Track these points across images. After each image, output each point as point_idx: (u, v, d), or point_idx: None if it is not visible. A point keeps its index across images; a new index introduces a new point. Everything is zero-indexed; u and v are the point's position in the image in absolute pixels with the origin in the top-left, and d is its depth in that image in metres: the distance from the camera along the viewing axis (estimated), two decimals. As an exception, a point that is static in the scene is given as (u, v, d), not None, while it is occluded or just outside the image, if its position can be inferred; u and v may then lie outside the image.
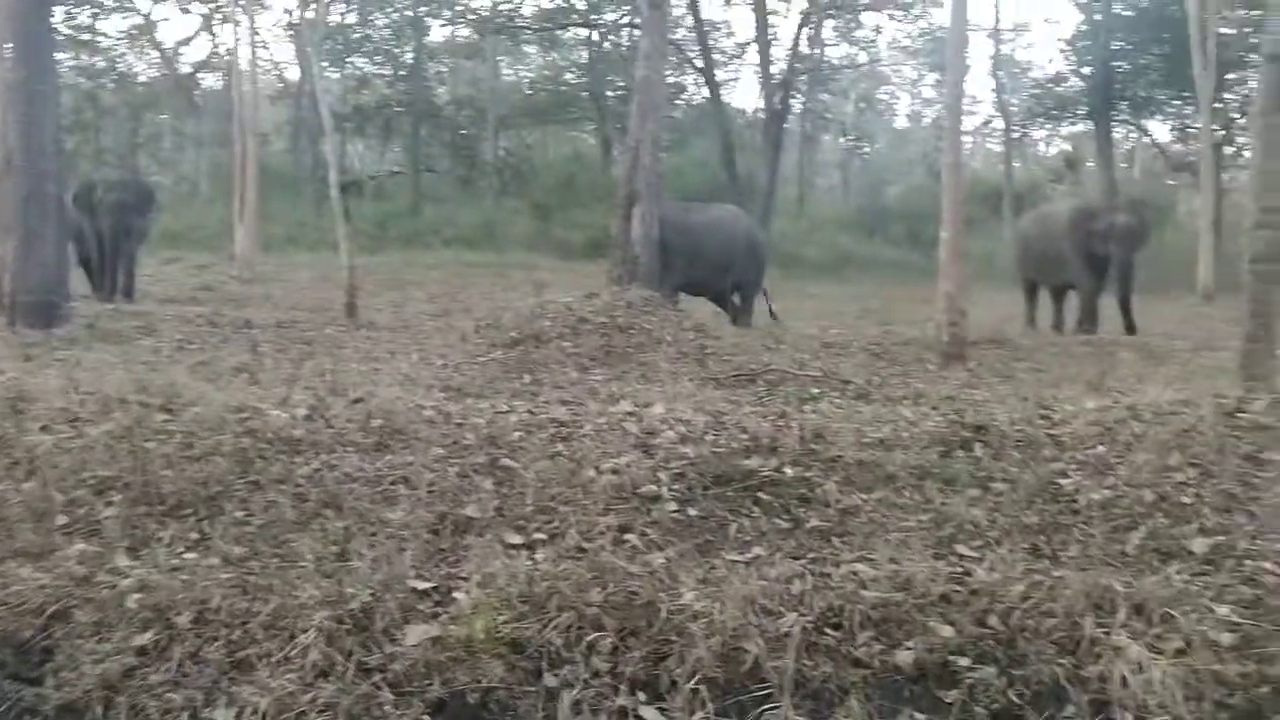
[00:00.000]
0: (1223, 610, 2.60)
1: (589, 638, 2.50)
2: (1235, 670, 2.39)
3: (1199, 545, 2.98)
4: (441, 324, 10.24)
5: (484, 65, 29.88)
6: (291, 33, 26.62)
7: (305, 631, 2.45)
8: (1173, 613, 2.57)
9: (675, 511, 3.11)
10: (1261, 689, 2.37)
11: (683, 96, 28.47)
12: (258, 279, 15.62)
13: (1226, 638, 2.48)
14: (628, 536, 2.93)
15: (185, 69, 30.05)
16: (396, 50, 28.91)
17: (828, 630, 2.55)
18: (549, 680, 2.42)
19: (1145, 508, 3.21)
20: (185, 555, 2.82)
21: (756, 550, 2.93)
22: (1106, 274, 11.95)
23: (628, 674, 2.44)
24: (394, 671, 2.40)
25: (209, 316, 9.98)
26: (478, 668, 2.42)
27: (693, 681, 2.40)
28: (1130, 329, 11.46)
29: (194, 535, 2.95)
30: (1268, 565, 2.85)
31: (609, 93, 28.00)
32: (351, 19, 27.74)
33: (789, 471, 3.35)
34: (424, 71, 29.34)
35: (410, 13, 27.93)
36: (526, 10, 27.51)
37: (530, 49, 31.18)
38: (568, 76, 30.77)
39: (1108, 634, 2.49)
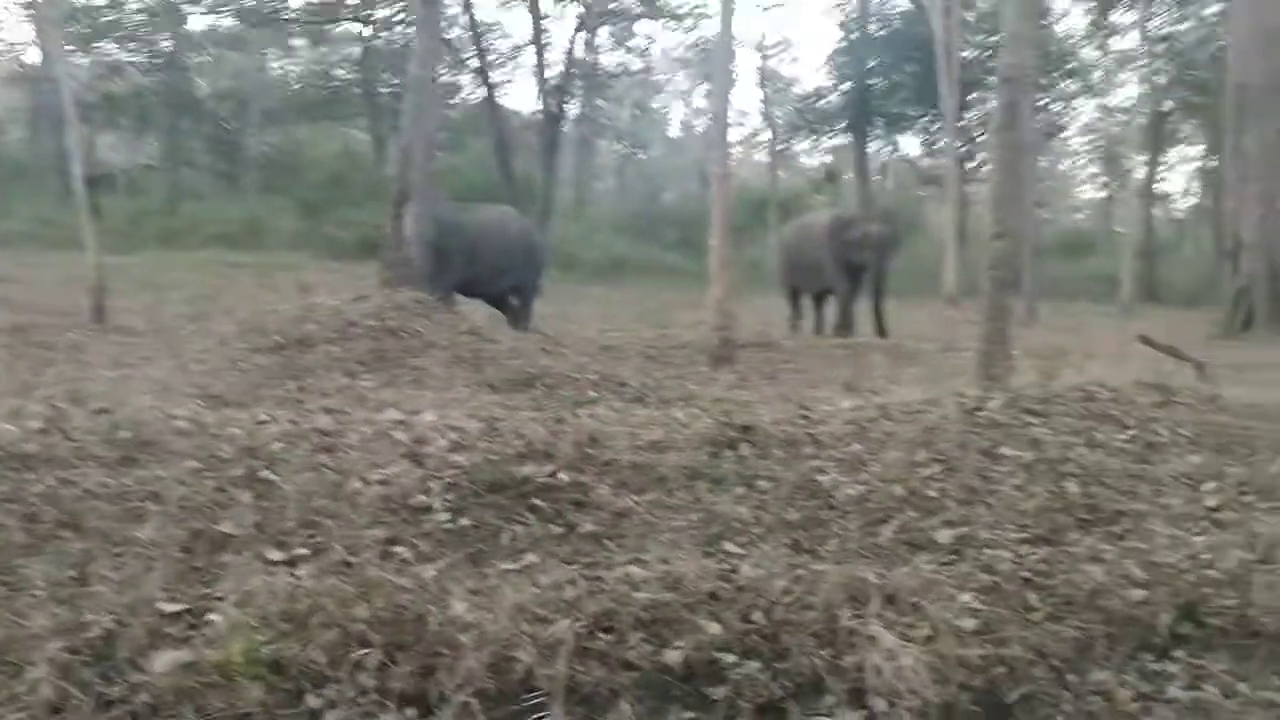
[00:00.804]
0: (965, 597, 2.78)
1: (355, 655, 2.40)
2: (977, 653, 2.56)
3: (944, 536, 3.18)
4: (200, 327, 9.66)
5: (249, 57, 28.48)
6: (30, 12, 24.50)
7: (35, 665, 2.24)
8: (921, 601, 2.74)
9: (447, 522, 3.04)
10: (999, 670, 2.55)
11: (458, 96, 28.12)
12: (-10, 278, 14.26)
13: (969, 623, 2.66)
14: (396, 549, 2.84)
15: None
16: (152, 37, 27.07)
17: (600, 634, 2.55)
18: (311, 701, 2.32)
19: (896, 502, 3.40)
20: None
21: (530, 558, 2.91)
22: (862, 280, 12.70)
23: (396, 689, 2.36)
24: (139, 703, 2.23)
25: (-70, 320, 9.05)
26: (234, 693, 2.28)
27: (463, 694, 2.36)
28: (883, 332, 12.21)
29: (-97, 565, 2.65)
30: (1004, 553, 3.08)
31: (382, 89, 27.29)
32: (100, 1, 25.78)
33: (564, 477, 3.34)
34: (183, 61, 27.66)
35: (166, -1, 26.24)
36: (295, 2, 26.42)
37: (298, 42, 29.98)
38: (338, 72, 29.75)
39: (863, 624, 2.61)
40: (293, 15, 26.63)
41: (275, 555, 2.76)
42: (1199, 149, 31.26)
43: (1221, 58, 19.47)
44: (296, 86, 29.51)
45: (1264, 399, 4.91)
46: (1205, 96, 26.09)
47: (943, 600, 2.76)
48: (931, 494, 3.45)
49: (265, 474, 3.18)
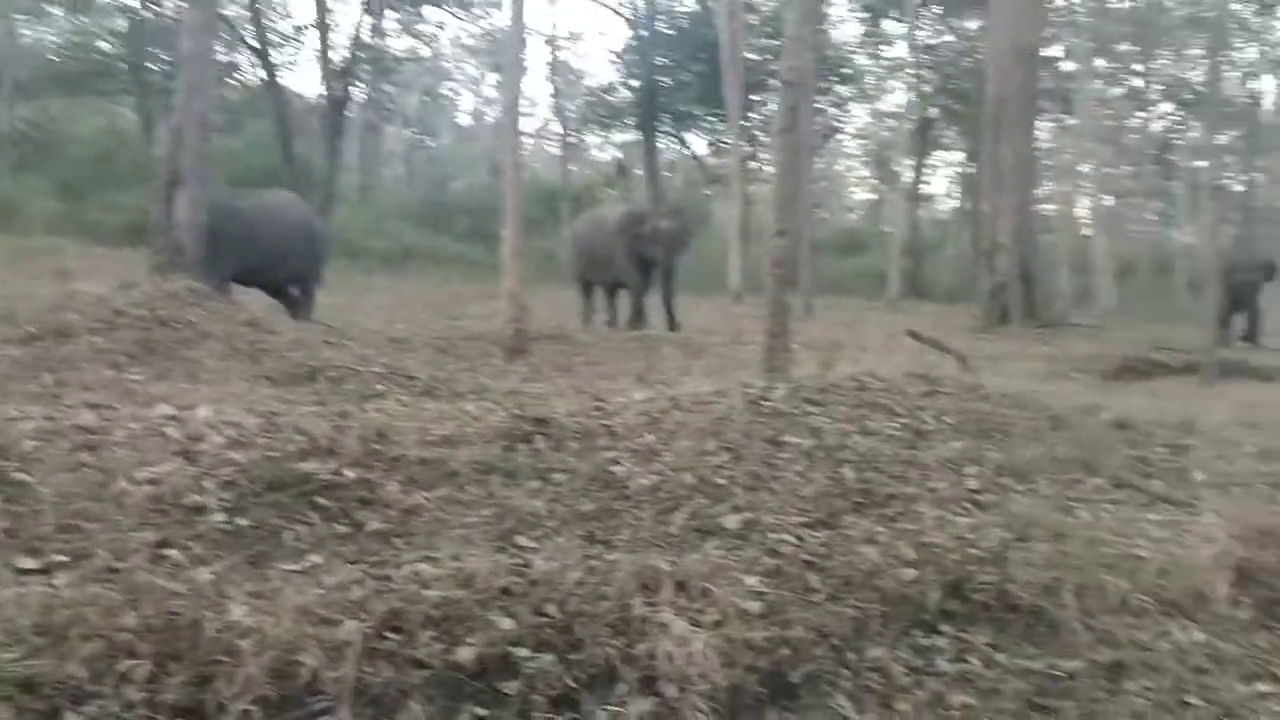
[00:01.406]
0: (751, 581, 2.87)
1: (121, 667, 2.24)
2: (762, 635, 2.64)
3: (732, 522, 3.27)
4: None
5: (-3, 22, 26.10)
6: None
7: None
8: (711, 587, 2.80)
9: (223, 522, 2.88)
10: (784, 651, 2.64)
11: (236, 75, 26.74)
12: None
13: (755, 606, 2.74)
14: (168, 552, 2.67)
15: None
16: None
17: (389, 634, 2.47)
18: (70, 719, 2.15)
19: (687, 490, 3.48)
20: None
21: (314, 558, 2.79)
22: (653, 275, 12.92)
23: (168, 701, 2.21)
24: None
25: None
26: (-23, 716, 2.08)
27: (243, 702, 2.24)
28: (673, 326, 12.47)
29: None
30: (787, 537, 3.20)
31: (151, 65, 25.59)
32: None
33: (349, 474, 3.23)
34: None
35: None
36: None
37: (55, 10, 27.69)
38: (102, 44, 27.67)
39: (655, 612, 2.65)
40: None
41: (28, 563, 2.54)
42: (960, 155, 33.50)
43: (981, 70, 20.91)
44: (54, 58, 27.26)
45: (1019, 388, 5.30)
46: (966, 106, 28.01)
47: (730, 585, 2.84)
48: (720, 481, 3.55)
49: (17, 475, 2.92)
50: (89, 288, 7.56)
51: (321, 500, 3.08)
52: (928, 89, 29.74)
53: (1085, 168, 27.29)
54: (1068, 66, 27.32)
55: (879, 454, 3.97)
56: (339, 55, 24.76)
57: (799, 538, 3.21)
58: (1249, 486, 4.22)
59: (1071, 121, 26.79)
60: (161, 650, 2.30)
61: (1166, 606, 3.11)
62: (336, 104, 23.65)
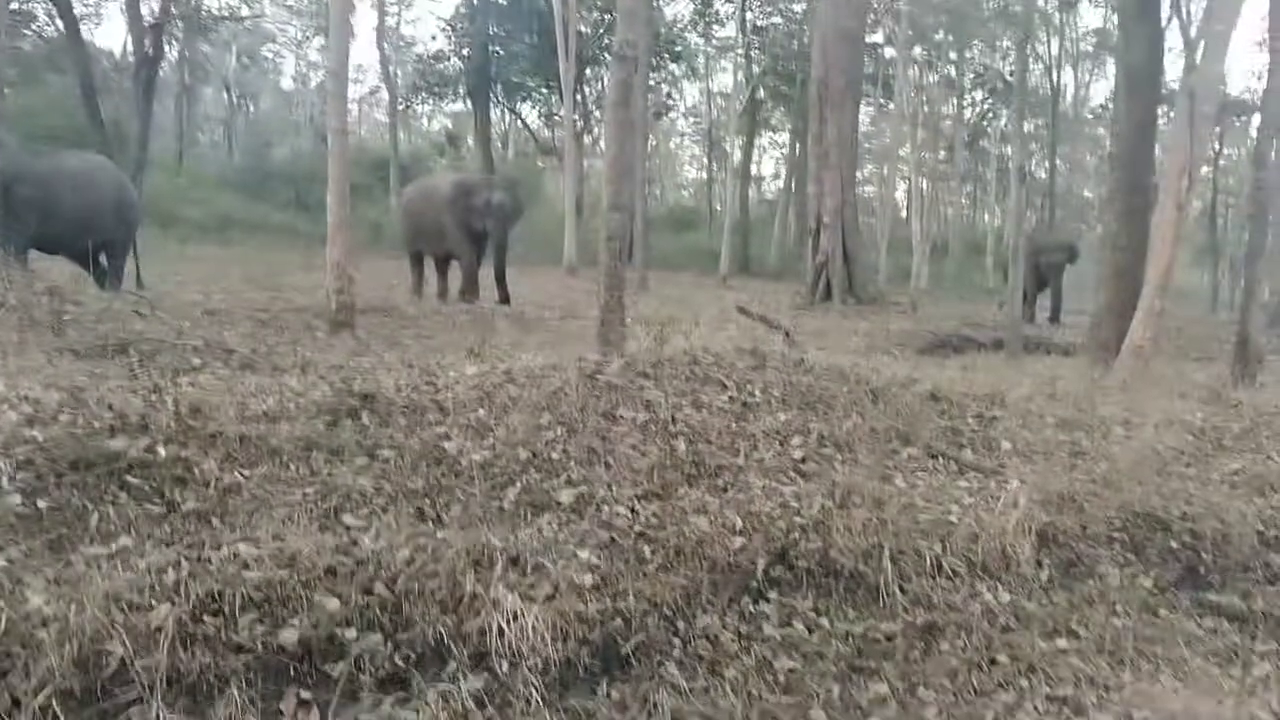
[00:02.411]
0: (585, 554, 2.87)
1: (-103, 666, 2.07)
2: (595, 608, 2.65)
3: (566, 496, 3.27)
4: None
5: None
6: None
7: None
8: (544, 562, 2.79)
9: (20, 505, 2.70)
10: (616, 622, 2.66)
11: (33, 26, 24.85)
12: None
13: (588, 579, 2.75)
14: (-44, 539, 2.48)
15: None
16: None
17: (206, 618, 2.37)
18: None
19: (520, 465, 3.46)
20: None
21: (123, 541, 2.64)
22: (485, 247, 12.76)
23: (-46, 700, 2.06)
24: None
25: None
26: None
27: (42, 696, 2.10)
28: (505, 299, 12.35)
29: None
30: (621, 509, 3.22)
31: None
32: None
33: (162, 451, 3.07)
34: None
35: None
36: None
37: None
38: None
39: (487, 589, 2.62)
40: None
41: None
42: (787, 136, 34.38)
43: (807, 53, 21.45)
44: None
45: (840, 362, 5.48)
46: (792, 88, 28.74)
47: (564, 559, 2.84)
48: (555, 456, 3.54)
49: None
50: None
51: (132, 479, 2.92)
52: (757, 69, 30.36)
53: (903, 151, 28.43)
54: (889, 53, 28.36)
55: (710, 426, 4.04)
56: (149, 10, 23.36)
57: (632, 510, 3.24)
58: (1050, 455, 4.49)
59: (891, 107, 27.84)
60: (-53, 645, 2.14)
61: (976, 569, 3.29)
62: (147, 62, 22.28)
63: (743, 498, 3.42)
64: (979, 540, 3.37)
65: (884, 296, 17.56)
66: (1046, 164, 32.44)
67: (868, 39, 23.57)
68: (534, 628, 2.50)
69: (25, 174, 9.11)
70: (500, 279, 12.63)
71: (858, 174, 21.38)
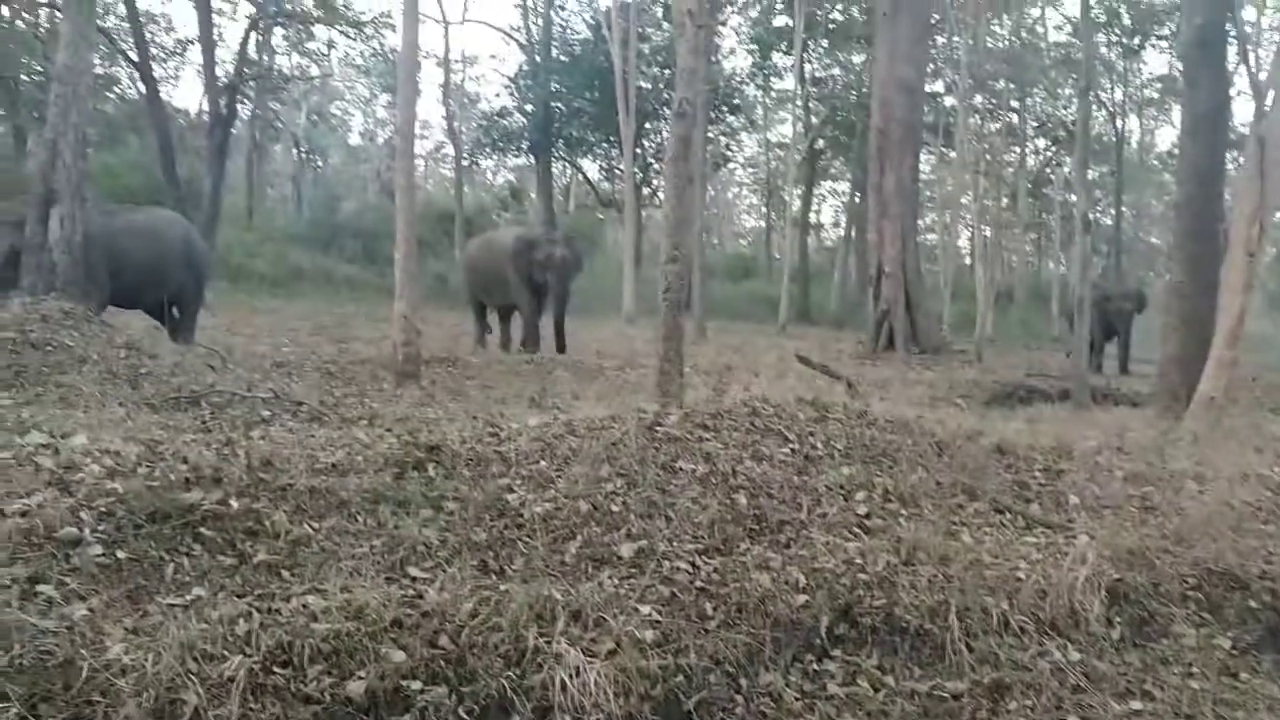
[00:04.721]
0: (646, 610, 2.88)
1: (-13, 710, 2.14)
2: (657, 664, 2.65)
3: (627, 550, 3.28)
4: None
5: None
6: None
7: None
8: (605, 616, 2.80)
9: (101, 555, 2.77)
10: (678, 678, 2.66)
11: (116, 89, 25.84)
12: None
13: (649, 634, 2.75)
14: (41, 588, 2.55)
15: None
16: None
17: (276, 669, 2.41)
18: (-74, 771, 2.03)
19: (581, 518, 3.47)
20: None
21: (197, 591, 2.70)
22: (545, 298, 12.94)
23: (39, 746, 2.12)
24: None
25: None
26: None
27: (121, 746, 2.15)
28: (563, 349, 12.49)
29: None
30: (681, 564, 3.22)
31: (24, 77, 24.54)
32: None
33: (235, 503, 3.14)
34: None
35: None
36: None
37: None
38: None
39: (549, 642, 2.64)
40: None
41: (-116, 602, 2.40)
42: (846, 185, 34.38)
43: (866, 103, 21.53)
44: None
45: (904, 414, 5.44)
46: (852, 137, 28.79)
47: (625, 614, 2.84)
48: (615, 509, 3.55)
49: (-127, 509, 2.76)
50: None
51: (206, 531, 2.99)
52: (816, 120, 30.48)
53: (965, 199, 28.27)
54: (949, 102, 28.32)
55: (771, 480, 4.02)
56: (224, 71, 24.16)
57: (693, 565, 3.24)
58: (1120, 510, 4.40)
59: (952, 155, 27.74)
60: (33, 692, 2.20)
61: (1045, 627, 3.23)
62: (221, 121, 23.00)
63: (806, 553, 3.40)
64: (1047, 597, 3.31)
65: (948, 346, 17.39)
66: (1113, 211, 32.03)
67: (927, 88, 23.55)
68: (596, 683, 2.51)
69: (97, 231, 9.43)
70: (560, 330, 12.79)
71: (919, 222, 21.29)
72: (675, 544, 3.38)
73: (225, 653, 2.40)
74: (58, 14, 19.63)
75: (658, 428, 4.29)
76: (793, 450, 4.37)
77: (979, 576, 3.35)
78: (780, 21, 29.53)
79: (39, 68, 22.90)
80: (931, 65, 25.23)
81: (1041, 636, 3.20)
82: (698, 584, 3.11)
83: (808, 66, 29.74)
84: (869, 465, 4.41)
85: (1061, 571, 3.43)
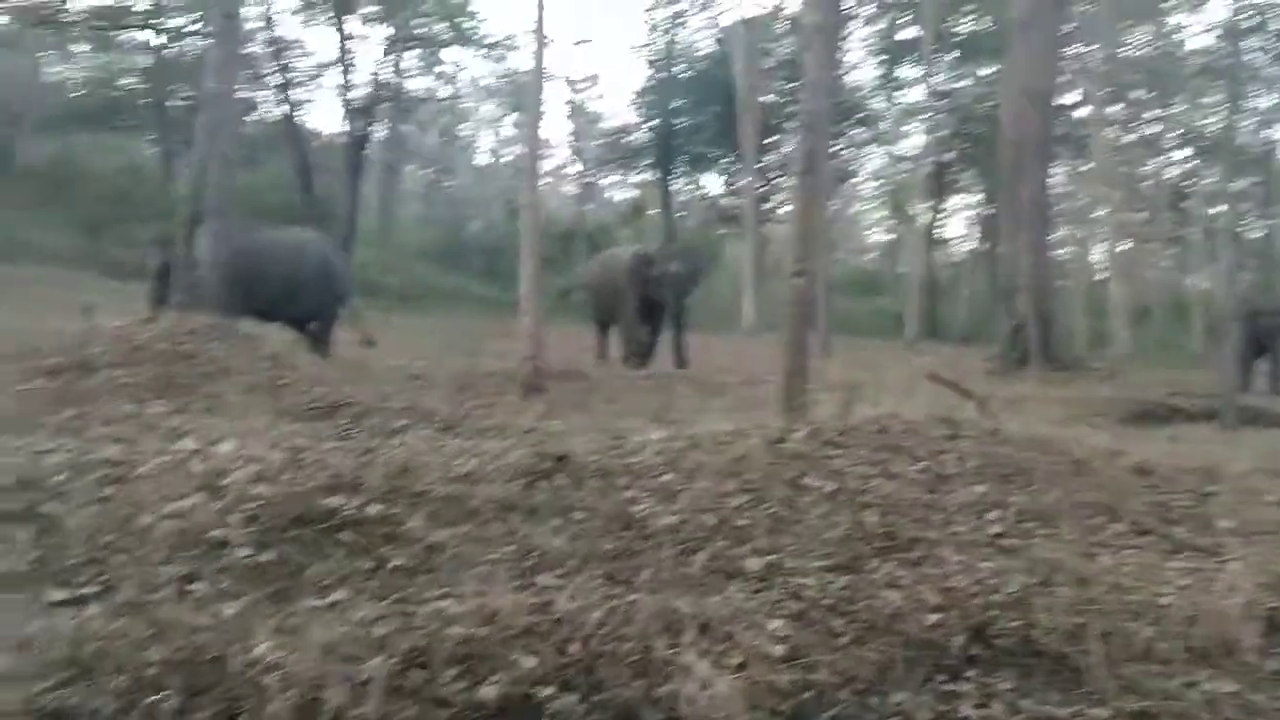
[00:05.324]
0: (775, 624, 2.85)
1: (147, 701, 2.25)
2: (786, 679, 2.63)
3: (754, 565, 3.26)
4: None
5: (22, 59, 26.47)
6: None
7: None
8: (733, 629, 2.79)
9: (248, 557, 2.90)
10: (807, 695, 2.63)
11: (256, 113, 27.06)
12: None
13: (778, 650, 2.73)
14: (193, 586, 2.69)
15: None
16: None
17: (412, 671, 2.48)
18: (98, 754, 2.15)
19: (708, 531, 3.47)
20: None
21: (338, 594, 2.80)
22: (662, 315, 13.05)
23: (194, 738, 2.22)
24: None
25: None
26: (8, 748, 2.09)
27: (268, 739, 2.24)
28: (683, 364, 12.55)
29: None
30: (809, 581, 3.18)
31: (172, 102, 25.92)
32: None
33: (373, 509, 3.24)
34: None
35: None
36: (78, 4, 24.78)
37: (79, 47, 28.11)
38: (124, 81, 28.03)
39: (677, 654, 2.64)
40: (76, 18, 24.92)
41: (58, 595, 2.56)
42: (977, 197, 33.60)
43: (996, 114, 21.02)
44: (76, 94, 27.62)
45: (1038, 432, 5.27)
46: (982, 149, 28.14)
47: (753, 628, 2.82)
48: (741, 523, 3.53)
49: (46, 507, 2.94)
50: (110, 322, 7.62)
51: (346, 535, 3.09)
52: (944, 132, 29.90)
53: (1101, 212, 27.31)
54: (1083, 112, 27.43)
55: (901, 497, 3.95)
56: (359, 94, 25.06)
57: (822, 581, 3.20)
58: (1274, 535, 4.17)
59: (1087, 167, 26.86)
60: (188, 685, 2.31)
61: (1194, 655, 3.07)
62: (357, 142, 23.88)
63: (937, 572, 3.32)
64: (1196, 624, 3.15)
65: (1083, 363, 16.79)
66: (1260, 223, 30.51)
67: (1060, 99, 22.87)
68: (726, 696, 2.50)
69: (241, 249, 9.88)
70: (679, 345, 12.87)
71: (1052, 236, 20.65)
72: (803, 560, 3.35)
73: (365, 654, 2.48)
74: (204, 41, 20.68)
75: (784, 443, 4.27)
76: (923, 468, 4.28)
77: (1121, 600, 3.22)
78: (908, 34, 29.13)
79: (187, 93, 24.14)
80: (1065, 75, 24.51)
81: (1190, 666, 3.04)
82: (826, 600, 3.06)
83: (936, 78, 29.21)
84: (1002, 484, 4.28)
85: (1212, 598, 3.27)
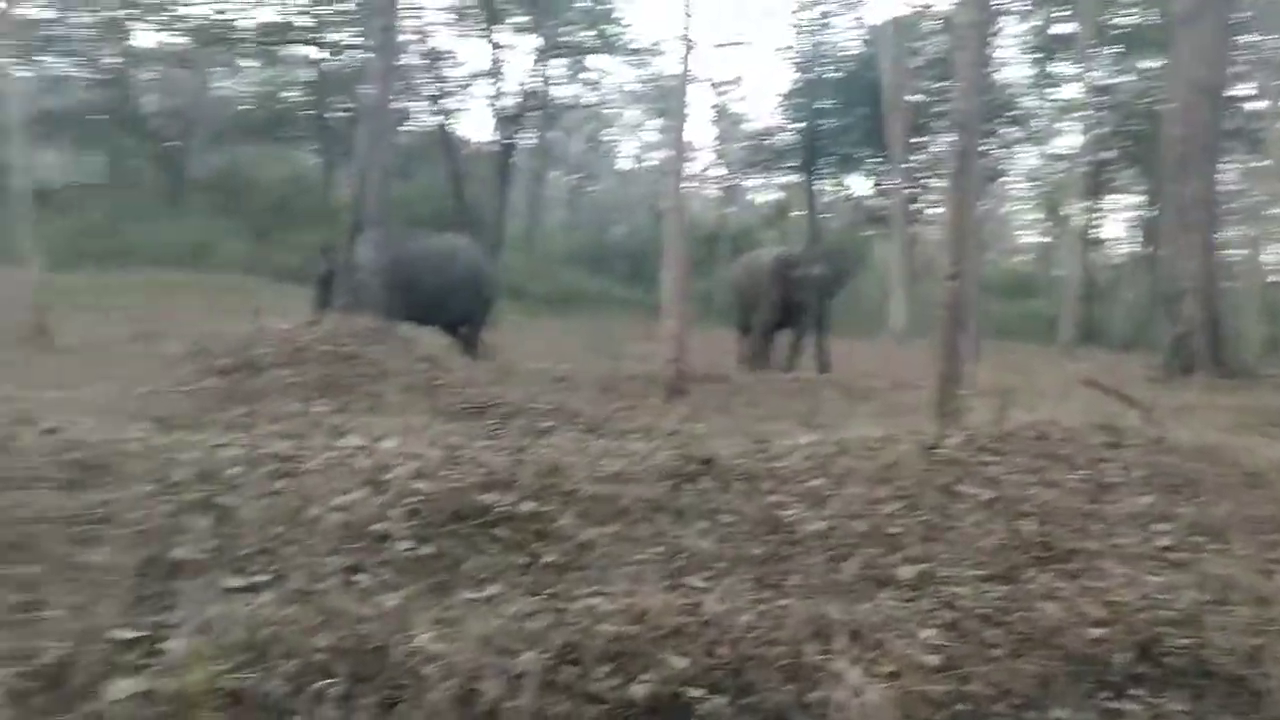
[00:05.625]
0: (927, 633, 2.79)
1: (316, 686, 2.36)
2: (940, 690, 2.57)
3: (906, 572, 3.20)
4: (144, 349, 9.48)
5: (195, 76, 28.08)
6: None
7: (-13, 691, 2.17)
8: (884, 637, 2.75)
9: (408, 550, 3.00)
10: (962, 706, 2.56)
11: (410, 123, 28.01)
12: (-78, 294, 13.83)
13: (931, 659, 2.67)
14: (358, 577, 2.80)
15: None
16: (98, 52, 26.57)
17: (565, 666, 2.53)
18: (272, 734, 2.27)
19: (858, 538, 3.42)
20: None
21: (493, 588, 2.87)
22: (805, 318, 12.92)
23: (359, 723, 2.32)
24: (94, 732, 2.17)
25: None
26: (192, 724, 2.22)
27: (428, 727, 2.32)
28: (825, 368, 12.41)
29: None
30: (963, 590, 3.10)
31: (333, 113, 27.08)
32: (46, 14, 25.24)
33: (525, 506, 3.32)
34: (128, 78, 27.19)
35: (115, 13, 25.75)
36: (246, 22, 26.17)
37: (247, 63, 29.65)
38: (287, 94, 29.45)
39: (828, 660, 2.61)
40: (244, 35, 26.33)
41: (234, 582, 2.70)
42: (1137, 198, 32.11)
43: (1159, 110, 20.06)
44: (243, 107, 29.15)
45: (1207, 441, 5.00)
46: (1144, 146, 26.87)
47: (906, 636, 2.77)
48: (893, 530, 3.47)
49: (222, 499, 3.11)
50: (277, 324, 8.02)
51: (500, 531, 3.17)
52: (1103, 130, 28.67)
53: (1276, 210, 25.73)
54: (1258, 105, 25.88)
55: (1060, 507, 3.81)
56: (507, 102, 25.68)
57: (976, 591, 3.11)
58: None
59: (1261, 163, 25.34)
60: (353, 672, 2.41)
61: (1390, 683, 2.87)
62: (505, 150, 24.47)
63: (1100, 585, 3.19)
64: (1391, 650, 2.94)
65: (1254, 370, 15.84)
66: None
67: (1229, 91, 21.63)
68: (878, 704, 2.47)
69: (398, 256, 10.26)
70: (821, 349, 12.74)
71: (1221, 236, 19.55)
72: (957, 568, 3.26)
73: (519, 647, 2.54)
74: (363, 54, 21.49)
75: (937, 449, 4.18)
76: (1084, 477, 4.12)
77: (1303, 621, 3.03)
78: (1064, 28, 28.05)
79: (346, 104, 25.18)
80: (1237, 67, 23.19)
81: (1387, 694, 2.84)
82: (981, 610, 2.98)
83: (1094, 74, 28.04)
84: (1169, 495, 4.08)
85: None
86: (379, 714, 2.34)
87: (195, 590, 2.64)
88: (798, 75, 29.71)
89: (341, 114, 26.17)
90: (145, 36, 27.07)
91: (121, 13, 25.71)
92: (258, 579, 2.74)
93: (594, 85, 31.35)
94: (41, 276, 10.60)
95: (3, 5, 20.18)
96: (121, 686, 2.24)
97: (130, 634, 2.43)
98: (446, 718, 2.35)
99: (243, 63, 29.45)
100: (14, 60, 21.85)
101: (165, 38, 26.89)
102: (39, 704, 2.19)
